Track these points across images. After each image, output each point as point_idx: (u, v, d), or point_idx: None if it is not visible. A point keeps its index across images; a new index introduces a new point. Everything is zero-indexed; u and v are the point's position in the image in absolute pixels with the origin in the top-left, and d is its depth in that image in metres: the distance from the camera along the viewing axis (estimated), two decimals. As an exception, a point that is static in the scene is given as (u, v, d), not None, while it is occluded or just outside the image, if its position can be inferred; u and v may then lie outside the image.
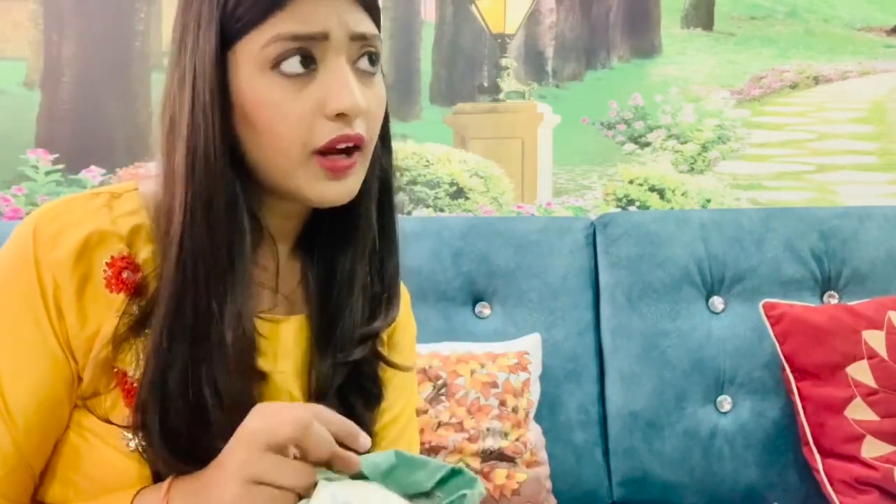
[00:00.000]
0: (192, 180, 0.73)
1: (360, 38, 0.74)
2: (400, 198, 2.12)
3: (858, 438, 1.52)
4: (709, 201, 2.19)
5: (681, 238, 1.71)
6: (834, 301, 1.68)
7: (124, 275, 0.75)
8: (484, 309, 1.71)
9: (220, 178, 0.73)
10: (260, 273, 0.80)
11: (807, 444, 1.57)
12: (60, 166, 2.10)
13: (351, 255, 0.82)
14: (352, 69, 0.74)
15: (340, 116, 0.73)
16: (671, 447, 1.64)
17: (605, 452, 1.67)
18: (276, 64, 0.72)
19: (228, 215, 0.74)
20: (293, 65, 0.72)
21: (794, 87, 2.24)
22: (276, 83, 0.72)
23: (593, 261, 1.74)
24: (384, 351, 0.86)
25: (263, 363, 0.78)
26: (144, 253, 0.76)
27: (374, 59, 0.76)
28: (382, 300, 0.84)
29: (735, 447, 1.64)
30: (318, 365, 0.82)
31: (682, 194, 2.20)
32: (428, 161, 2.19)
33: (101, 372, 0.74)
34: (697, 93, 2.22)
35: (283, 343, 0.82)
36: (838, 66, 2.23)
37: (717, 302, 1.70)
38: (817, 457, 1.55)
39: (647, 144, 2.22)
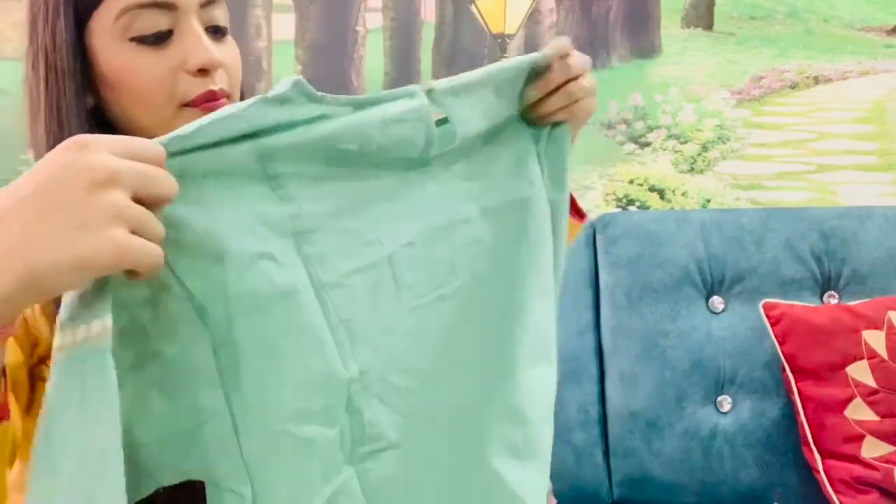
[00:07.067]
0: None
1: (208, 4, 0.77)
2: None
3: (858, 438, 1.52)
4: (709, 201, 2.19)
5: (681, 238, 1.71)
6: (834, 301, 1.68)
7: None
8: (484, 309, 1.71)
9: None
10: None
11: (807, 444, 1.57)
12: (60, 166, 2.10)
13: None
14: (205, 31, 0.77)
15: (202, 72, 0.75)
16: (671, 447, 1.64)
17: (605, 452, 1.67)
18: (130, 34, 0.74)
19: None
20: (147, 32, 0.74)
21: (794, 87, 2.23)
22: (136, 51, 0.75)
23: (593, 261, 1.74)
24: None
25: None
26: None
27: (221, 19, 0.79)
28: None
29: (735, 447, 1.64)
30: None
31: (682, 194, 2.19)
32: (428, 161, 2.19)
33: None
34: (697, 93, 2.22)
35: None
36: (838, 66, 2.23)
37: (717, 302, 1.70)
38: (817, 457, 1.55)
39: (647, 144, 2.22)
